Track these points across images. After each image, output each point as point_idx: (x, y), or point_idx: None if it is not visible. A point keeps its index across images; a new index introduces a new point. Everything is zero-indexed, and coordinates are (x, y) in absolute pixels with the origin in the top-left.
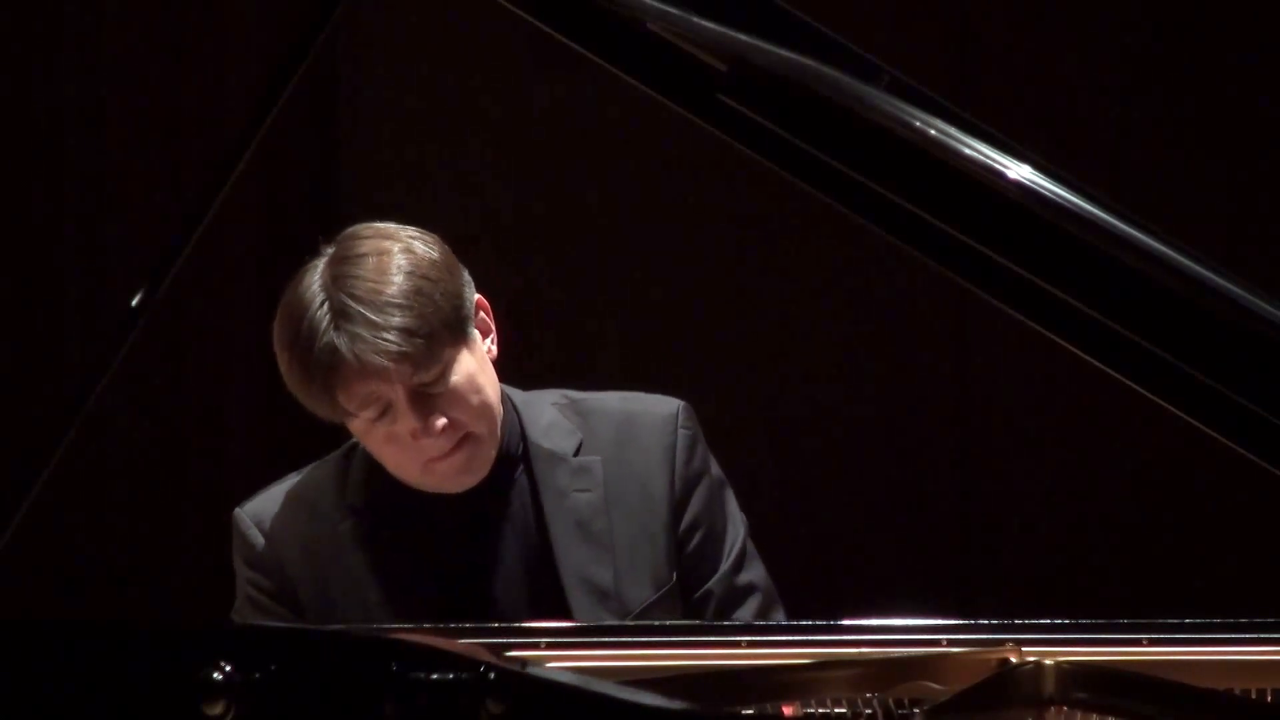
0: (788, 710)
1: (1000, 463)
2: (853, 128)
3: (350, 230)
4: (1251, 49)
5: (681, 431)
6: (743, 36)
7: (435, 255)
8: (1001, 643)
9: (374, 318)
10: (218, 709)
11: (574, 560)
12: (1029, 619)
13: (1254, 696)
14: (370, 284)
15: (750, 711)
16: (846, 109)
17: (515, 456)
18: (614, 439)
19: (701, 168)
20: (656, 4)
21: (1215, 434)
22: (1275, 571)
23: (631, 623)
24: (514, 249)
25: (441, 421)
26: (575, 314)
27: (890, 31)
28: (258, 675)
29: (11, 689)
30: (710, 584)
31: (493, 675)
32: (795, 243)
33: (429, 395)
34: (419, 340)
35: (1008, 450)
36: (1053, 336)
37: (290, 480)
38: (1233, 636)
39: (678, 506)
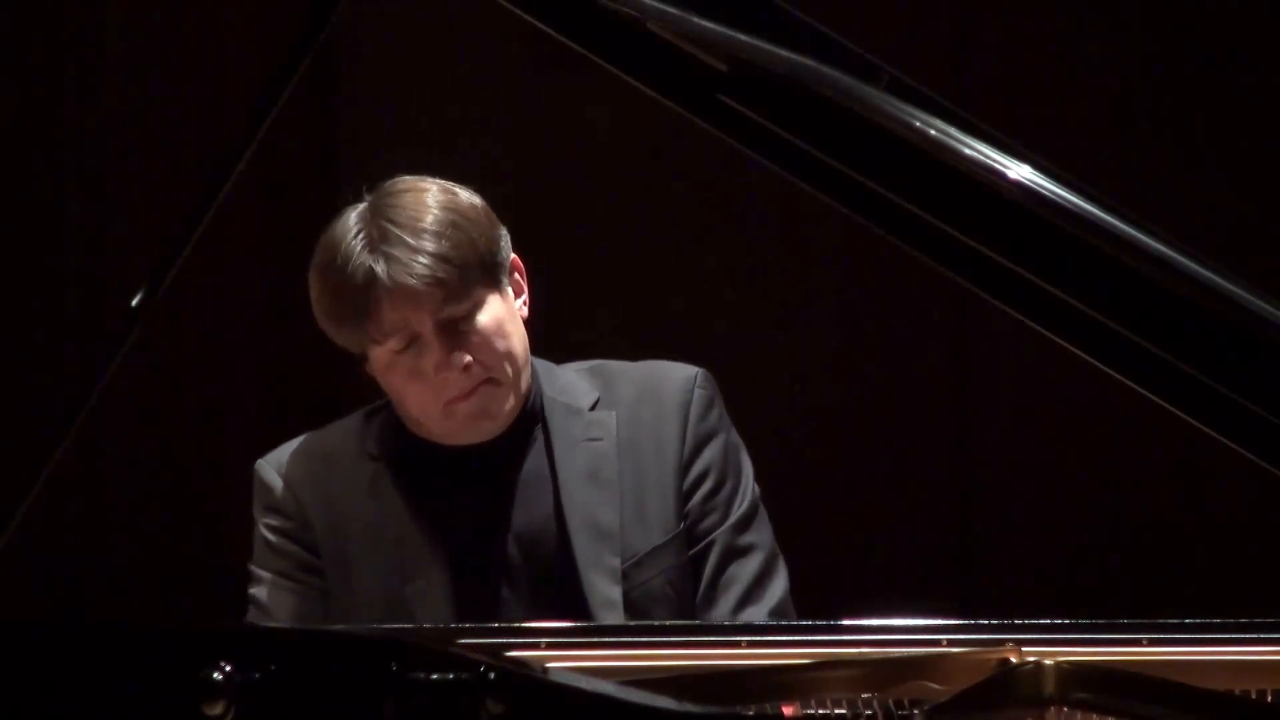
0: (788, 710)
1: (1000, 463)
2: (852, 128)
3: (393, 179)
4: (1251, 49)
5: (698, 391)
6: (743, 36)
7: (475, 201)
8: (1001, 643)
9: (410, 241)
10: (218, 709)
11: (579, 502)
12: (1029, 619)
13: (1254, 697)
14: (409, 213)
15: (750, 711)
16: (846, 109)
17: (534, 414)
18: (631, 396)
19: (701, 168)
20: (656, 4)
21: (1215, 434)
22: (1275, 571)
23: (632, 623)
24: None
25: (466, 358)
26: (574, 313)
27: (890, 31)
28: (258, 675)
29: (12, 689)
30: (713, 535)
31: (493, 675)
32: (795, 243)
33: (457, 331)
34: (452, 268)
35: (1007, 450)
36: (1052, 336)
37: (310, 435)
38: (1233, 636)
39: (688, 459)
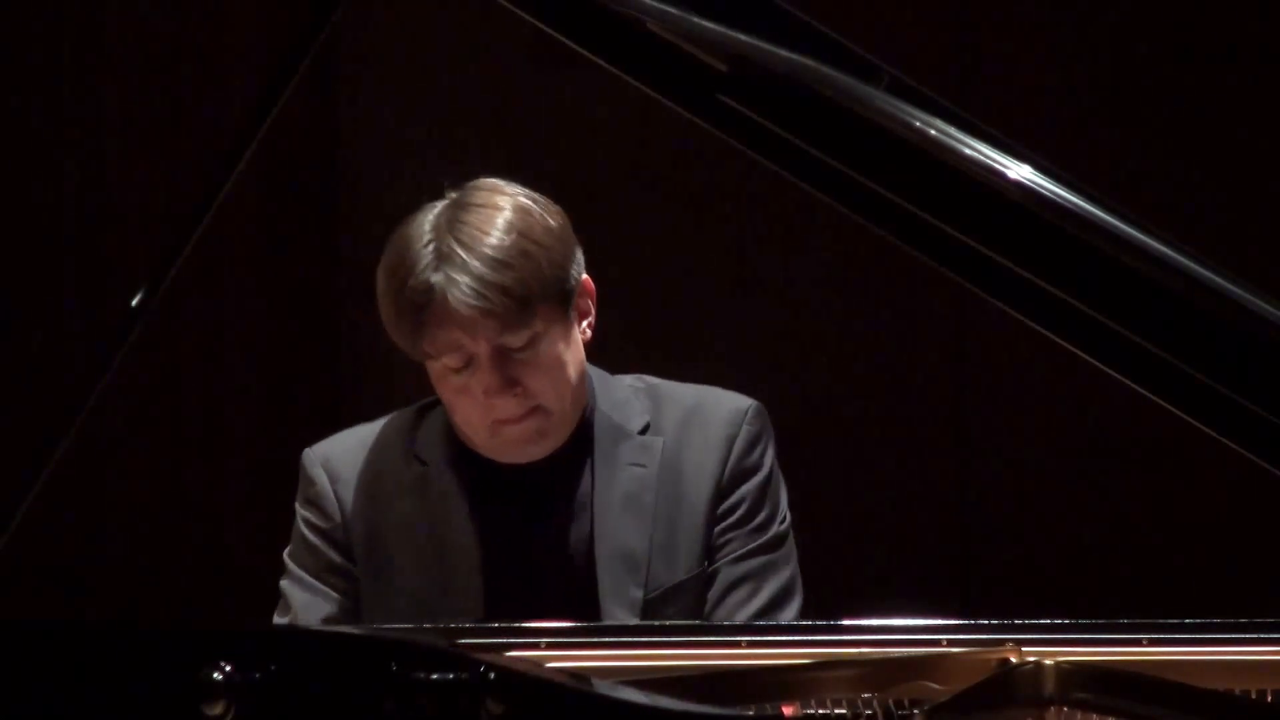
0: (788, 710)
1: (1000, 462)
2: (853, 128)
3: (476, 181)
4: (1251, 49)
5: (746, 427)
6: (743, 36)
7: (551, 223)
8: (1001, 643)
9: (474, 265)
10: (218, 709)
11: (612, 529)
12: (1029, 619)
13: (1254, 697)
14: (479, 232)
15: (750, 711)
16: (846, 109)
17: (585, 431)
18: (680, 422)
19: (701, 168)
20: (656, 4)
21: (1215, 434)
22: (1275, 571)
23: (632, 623)
24: None
25: (518, 386)
26: None
27: (890, 31)
28: (258, 675)
29: (12, 689)
30: (732, 555)
31: (493, 675)
32: (795, 242)
33: (512, 358)
34: (512, 300)
35: (1008, 450)
36: (1052, 336)
37: (360, 428)
38: (1233, 636)
39: (724, 493)
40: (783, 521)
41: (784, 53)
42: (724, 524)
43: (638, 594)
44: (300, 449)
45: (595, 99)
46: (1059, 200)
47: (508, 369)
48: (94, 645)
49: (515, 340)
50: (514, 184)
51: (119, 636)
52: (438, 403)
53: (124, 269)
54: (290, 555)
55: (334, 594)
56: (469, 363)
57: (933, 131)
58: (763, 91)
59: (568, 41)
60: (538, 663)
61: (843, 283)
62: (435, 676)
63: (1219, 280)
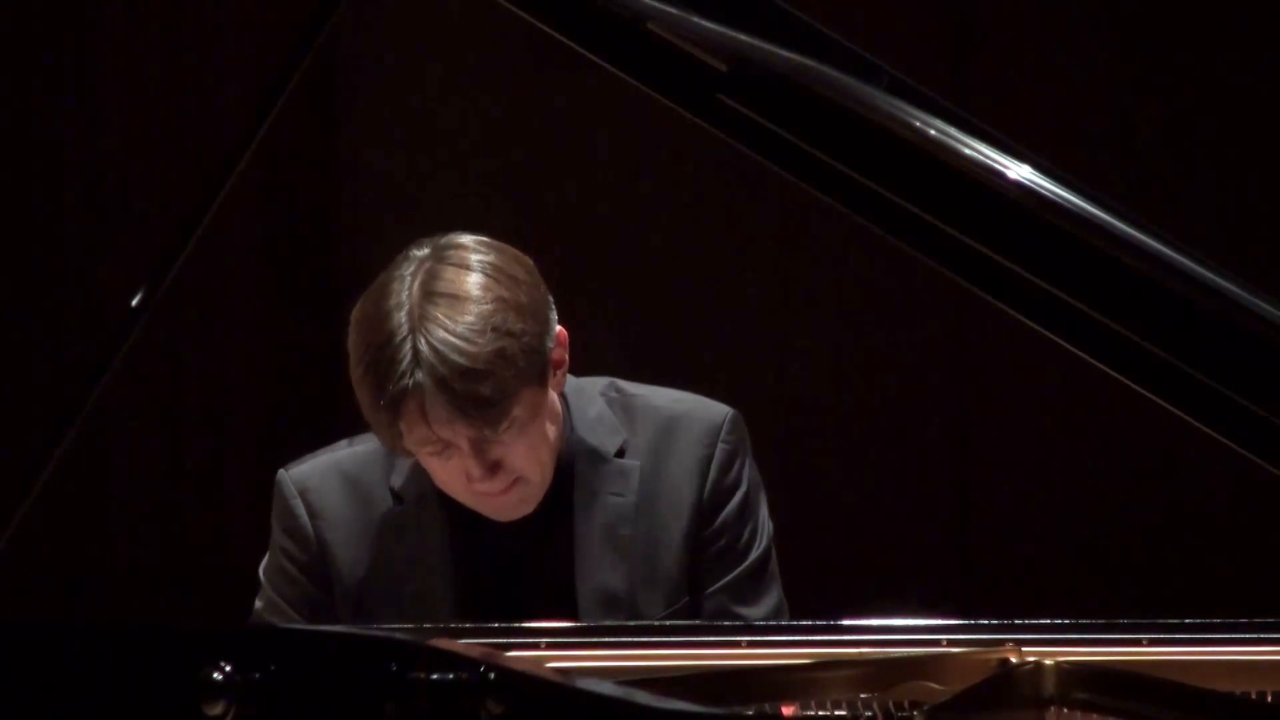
0: (788, 710)
1: (1000, 463)
2: (852, 128)
3: (445, 241)
4: (1252, 48)
5: (721, 446)
6: (743, 36)
7: (523, 298)
8: (1001, 643)
9: (453, 382)
10: (218, 709)
11: (591, 564)
12: (1029, 619)
13: (1254, 697)
14: (455, 339)
15: (750, 711)
16: (846, 109)
17: (566, 463)
18: (655, 441)
19: (701, 168)
20: (656, 4)
21: (1215, 434)
22: (1275, 571)
23: (632, 623)
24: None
25: (499, 469)
26: (574, 313)
27: (890, 31)
28: (258, 675)
29: (12, 689)
30: (717, 584)
31: (493, 675)
32: (795, 242)
33: (491, 443)
34: (490, 407)
35: (1007, 450)
36: (1052, 336)
37: (339, 450)
38: (1233, 636)
39: (705, 519)
40: (764, 540)
41: (784, 53)
42: (706, 552)
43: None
44: (300, 449)
45: (595, 99)
46: (1059, 200)
47: (488, 453)
48: (94, 645)
49: (493, 434)
50: (480, 243)
51: (119, 636)
52: None
53: (124, 269)
54: (267, 578)
55: (307, 623)
56: (446, 448)
57: (933, 131)
58: (763, 92)
59: (568, 41)
60: (538, 663)
61: (843, 283)
62: (435, 676)
63: (1219, 280)
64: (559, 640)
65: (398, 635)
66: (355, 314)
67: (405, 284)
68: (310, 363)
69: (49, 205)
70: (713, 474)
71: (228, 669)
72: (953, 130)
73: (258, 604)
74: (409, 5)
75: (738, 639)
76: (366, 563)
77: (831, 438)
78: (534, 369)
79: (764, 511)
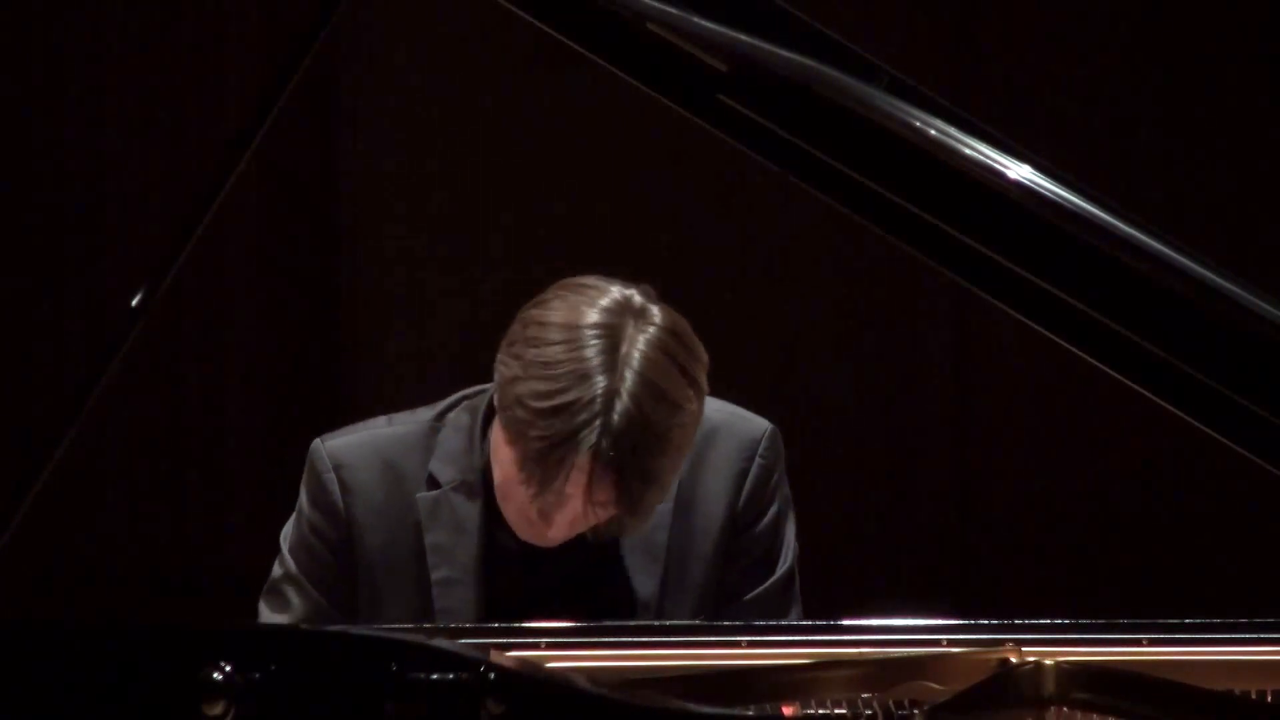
0: (788, 710)
1: (1000, 463)
2: (852, 128)
3: (642, 307)
4: (1251, 48)
5: (759, 461)
6: (743, 36)
7: (694, 407)
8: (1001, 643)
9: (630, 457)
10: (218, 709)
11: (624, 565)
12: (1029, 619)
13: (1254, 697)
14: (648, 437)
15: (750, 711)
16: (846, 109)
17: None
18: (693, 449)
19: (701, 167)
20: (656, 4)
21: (1215, 434)
22: (1275, 571)
23: (632, 623)
24: (513, 247)
25: (576, 529)
26: None
27: (890, 31)
28: (258, 675)
29: (12, 689)
30: (727, 605)
31: (493, 675)
32: (795, 242)
33: (585, 508)
34: (633, 501)
35: (1007, 450)
36: (1052, 336)
37: (379, 428)
38: (1233, 636)
39: (733, 533)
40: (789, 560)
41: (784, 53)
42: (734, 565)
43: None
44: (300, 449)
45: (595, 99)
46: (1059, 200)
47: (583, 513)
48: (94, 645)
49: (604, 512)
50: (662, 313)
51: (119, 636)
52: (460, 410)
53: (124, 269)
54: (289, 546)
55: (324, 602)
56: (561, 498)
57: (933, 131)
58: (763, 91)
59: (568, 41)
60: (538, 663)
61: (843, 283)
62: (435, 676)
63: (1219, 280)
64: (559, 640)
65: (398, 635)
66: (539, 331)
67: (599, 338)
68: (310, 362)
69: (49, 205)
70: (748, 488)
71: (228, 669)
72: (953, 130)
73: (275, 571)
74: (409, 5)
75: (738, 639)
76: (394, 545)
77: (831, 437)
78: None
79: (791, 532)
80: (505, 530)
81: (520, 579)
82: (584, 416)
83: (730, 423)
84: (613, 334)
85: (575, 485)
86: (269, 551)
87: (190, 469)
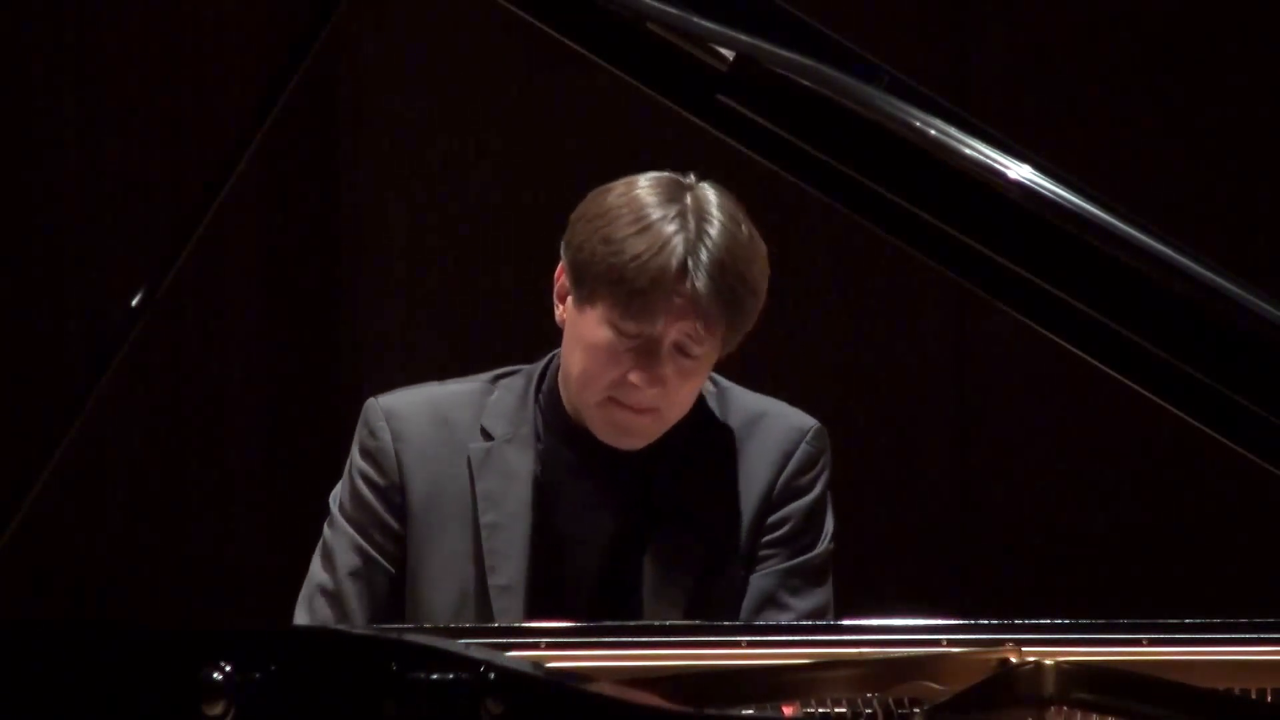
0: (788, 710)
1: (999, 464)
2: (853, 128)
3: (701, 188)
4: (1251, 49)
5: (805, 447)
6: (742, 36)
7: (764, 278)
8: (1001, 643)
9: (720, 270)
10: (218, 709)
11: (663, 531)
12: (1029, 619)
13: (1254, 697)
14: (723, 244)
15: (750, 711)
16: (846, 109)
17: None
18: (742, 428)
19: (701, 168)
20: (656, 4)
21: (1215, 434)
22: (1275, 571)
23: (631, 623)
24: (514, 247)
25: (662, 387)
26: None
27: (890, 31)
28: (258, 675)
29: (12, 689)
30: (770, 569)
31: (493, 675)
32: (795, 242)
33: (678, 361)
34: (731, 313)
35: (1007, 450)
36: (1052, 336)
37: (430, 387)
38: (1233, 636)
39: (771, 507)
40: (825, 548)
41: (784, 53)
42: (767, 538)
43: (680, 600)
44: (300, 448)
45: (595, 99)
46: (1059, 200)
47: (669, 366)
48: (94, 645)
49: (696, 349)
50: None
51: (119, 636)
52: (509, 376)
53: (124, 269)
54: (339, 504)
55: (377, 555)
56: (639, 341)
57: (933, 131)
58: (763, 91)
59: (568, 41)
60: (538, 663)
61: (843, 283)
62: (435, 676)
63: (1219, 280)
64: (559, 640)
65: (398, 635)
66: (595, 207)
67: (667, 194)
68: (310, 362)
69: (49, 206)
70: (790, 467)
71: (228, 669)
72: (953, 130)
73: (326, 532)
74: (409, 6)
75: (738, 639)
76: (444, 493)
77: (831, 438)
78: (746, 326)
79: (830, 526)
80: (556, 479)
81: (567, 530)
82: (678, 237)
83: (782, 410)
84: (674, 187)
85: (680, 312)
86: (269, 551)
87: (190, 469)
